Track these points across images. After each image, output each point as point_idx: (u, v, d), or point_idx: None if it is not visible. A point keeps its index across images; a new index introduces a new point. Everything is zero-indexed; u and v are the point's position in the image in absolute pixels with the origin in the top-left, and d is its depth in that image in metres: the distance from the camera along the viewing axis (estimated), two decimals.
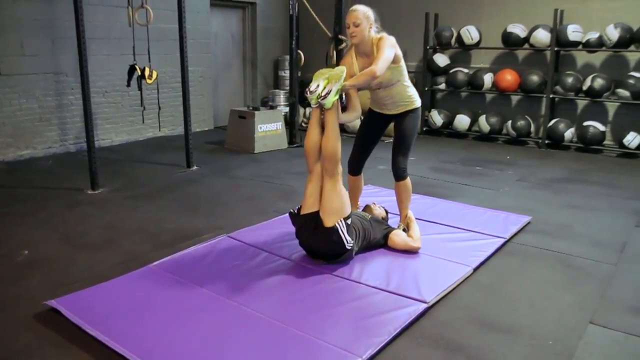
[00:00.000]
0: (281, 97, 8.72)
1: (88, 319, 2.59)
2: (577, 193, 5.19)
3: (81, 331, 2.55)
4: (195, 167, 5.96)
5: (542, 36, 7.09)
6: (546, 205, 4.78)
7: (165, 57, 7.42)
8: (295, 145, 7.31)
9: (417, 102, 3.67)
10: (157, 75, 5.82)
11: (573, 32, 6.86)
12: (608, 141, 7.13)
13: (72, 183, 5.26)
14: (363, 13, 3.37)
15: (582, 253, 3.70)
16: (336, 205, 3.21)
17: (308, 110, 8.89)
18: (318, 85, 3.19)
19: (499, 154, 6.97)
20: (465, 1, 8.00)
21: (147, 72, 5.70)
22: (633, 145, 6.68)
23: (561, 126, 7.11)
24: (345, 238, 3.21)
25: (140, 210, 4.49)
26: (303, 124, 8.60)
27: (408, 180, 3.74)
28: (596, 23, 6.89)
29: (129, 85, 5.82)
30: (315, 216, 3.24)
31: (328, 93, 3.16)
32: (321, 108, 3.30)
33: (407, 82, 3.60)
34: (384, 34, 3.41)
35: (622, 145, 6.78)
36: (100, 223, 4.16)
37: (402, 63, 3.51)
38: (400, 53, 3.44)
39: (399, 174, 3.69)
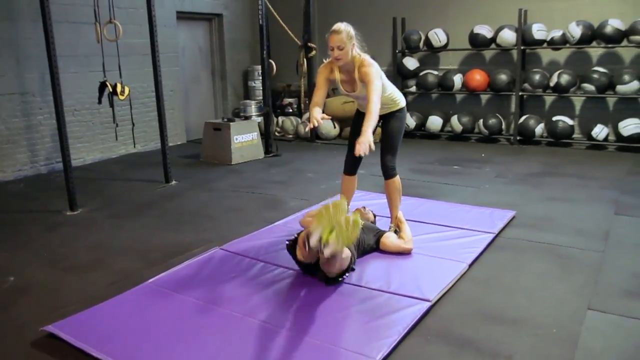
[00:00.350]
0: (253, 107, 8.69)
1: (92, 342, 2.51)
2: (554, 186, 5.32)
3: (85, 355, 2.47)
4: (174, 182, 5.86)
5: (508, 36, 7.28)
6: (527, 199, 4.89)
7: (134, 73, 7.30)
8: (271, 155, 7.28)
9: (402, 103, 3.73)
10: (129, 91, 5.74)
11: (538, 31, 7.07)
12: (577, 134, 7.35)
13: (49, 205, 5.11)
14: (346, 34, 3.35)
15: (569, 243, 3.79)
16: (339, 268, 3.06)
17: (281, 119, 8.88)
18: (320, 239, 2.70)
19: (473, 153, 7.10)
20: (431, 5, 8.15)
21: (119, 89, 5.60)
22: (601, 137, 6.91)
23: (531, 122, 7.30)
24: (350, 268, 3.16)
25: (124, 228, 4.39)
26: (276, 133, 8.59)
27: (397, 178, 3.78)
28: (559, 21, 7.13)
29: (100, 102, 5.71)
30: (316, 266, 3.14)
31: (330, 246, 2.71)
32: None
33: (389, 91, 3.64)
34: (366, 59, 3.42)
35: (590, 138, 7.00)
36: (85, 244, 4.05)
37: (383, 80, 3.53)
38: (383, 77, 3.50)
39: (388, 172, 3.72)
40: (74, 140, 6.82)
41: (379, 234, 3.68)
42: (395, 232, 3.78)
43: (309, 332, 2.59)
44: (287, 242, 3.32)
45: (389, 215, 3.94)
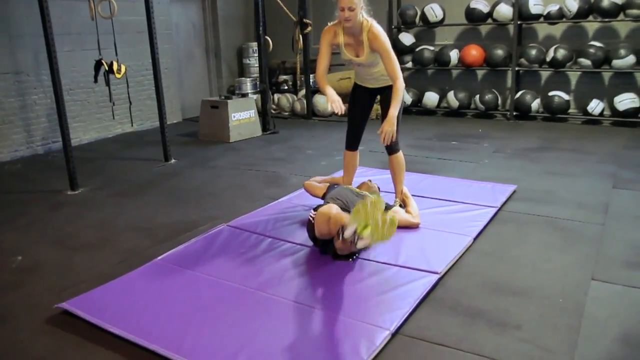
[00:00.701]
0: (248, 84, 8.62)
1: (108, 318, 2.54)
2: (552, 160, 5.38)
3: (101, 331, 2.50)
4: (173, 160, 5.85)
5: (505, 10, 7.26)
6: (527, 173, 4.94)
7: (127, 51, 7.20)
8: (269, 132, 7.27)
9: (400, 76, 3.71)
10: (125, 69, 5.68)
11: (534, 5, 7.06)
12: (572, 109, 7.40)
13: (48, 185, 5.09)
14: None
15: (570, 216, 3.86)
16: (348, 251, 3.12)
17: (277, 96, 8.84)
18: (355, 232, 2.80)
19: (470, 128, 7.13)
20: None
21: (115, 67, 5.55)
22: (596, 112, 6.96)
23: (527, 97, 7.32)
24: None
25: (127, 207, 4.39)
26: (272, 111, 8.55)
27: (401, 154, 3.80)
28: None
29: (96, 81, 5.65)
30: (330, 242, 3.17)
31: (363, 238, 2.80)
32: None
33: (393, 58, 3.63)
34: (373, 24, 3.45)
35: (586, 113, 7.05)
36: (90, 223, 4.05)
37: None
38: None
39: (391, 147, 3.74)
40: (70, 120, 6.69)
41: (387, 208, 3.71)
42: (401, 206, 3.82)
43: (322, 305, 2.64)
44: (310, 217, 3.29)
45: (393, 191, 3.98)
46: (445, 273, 3.01)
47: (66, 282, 3.07)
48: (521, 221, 3.80)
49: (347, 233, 2.80)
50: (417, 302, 2.65)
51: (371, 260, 3.13)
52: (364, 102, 3.86)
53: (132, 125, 7.10)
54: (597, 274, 2.99)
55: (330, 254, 3.19)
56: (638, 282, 2.89)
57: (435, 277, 2.90)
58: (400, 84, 3.45)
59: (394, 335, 2.42)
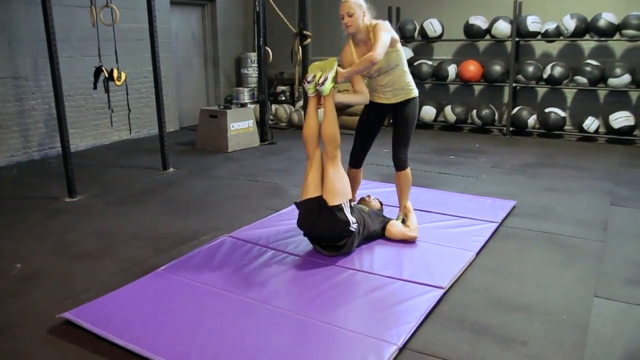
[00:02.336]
0: (245, 94, 8.66)
1: (111, 329, 2.51)
2: (550, 176, 5.42)
3: (104, 342, 2.47)
4: (172, 169, 5.83)
5: (503, 27, 7.35)
6: (525, 189, 4.98)
7: (126, 58, 7.18)
8: (267, 143, 7.27)
9: (415, 91, 3.69)
10: (126, 77, 5.67)
11: (532, 23, 7.15)
12: (568, 126, 7.48)
13: (46, 192, 5.05)
14: (355, 2, 3.40)
15: (570, 232, 3.88)
16: (339, 187, 3.30)
17: (274, 107, 8.86)
18: (314, 76, 3.37)
19: (467, 143, 7.18)
20: None
21: (115, 74, 5.53)
22: (592, 129, 7.04)
23: (524, 113, 7.39)
24: (350, 218, 3.30)
25: (127, 215, 4.37)
26: (270, 121, 8.56)
27: (408, 170, 3.81)
28: (552, 14, 7.21)
29: (95, 87, 5.63)
30: (319, 200, 3.29)
31: (325, 80, 3.31)
32: (318, 96, 3.43)
33: (406, 67, 3.64)
34: (378, 22, 3.45)
35: (581, 130, 7.13)
36: (89, 231, 4.02)
37: (399, 47, 3.54)
38: (396, 37, 3.49)
39: (400, 164, 3.74)
40: (67, 126, 6.72)
41: (385, 221, 3.72)
42: (403, 221, 3.83)
43: (328, 319, 2.63)
44: (295, 202, 3.49)
45: (396, 205, 3.98)
46: (450, 288, 3.01)
47: (67, 291, 3.04)
48: (522, 237, 3.82)
49: (309, 76, 3.36)
50: (423, 317, 2.65)
51: (375, 274, 3.13)
52: (375, 120, 3.81)
53: (130, 133, 7.07)
54: (599, 291, 3.01)
55: (320, 248, 3.41)
56: None
57: (440, 292, 2.91)
58: (375, 53, 3.23)
59: (401, 350, 2.41)
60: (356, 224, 3.37)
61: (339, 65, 3.43)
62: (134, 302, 2.80)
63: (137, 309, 2.72)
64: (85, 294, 2.97)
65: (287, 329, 2.55)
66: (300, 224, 3.43)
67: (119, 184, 5.33)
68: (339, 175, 3.34)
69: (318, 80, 3.34)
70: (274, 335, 2.49)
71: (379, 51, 3.26)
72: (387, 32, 3.35)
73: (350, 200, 3.44)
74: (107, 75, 5.48)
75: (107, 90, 5.57)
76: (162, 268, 3.21)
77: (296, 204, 3.45)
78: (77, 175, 5.02)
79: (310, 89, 3.38)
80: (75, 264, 3.43)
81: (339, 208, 3.25)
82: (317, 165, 3.40)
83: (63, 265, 3.41)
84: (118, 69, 5.50)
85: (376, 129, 3.84)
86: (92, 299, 2.85)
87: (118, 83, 5.57)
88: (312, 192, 3.33)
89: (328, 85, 3.33)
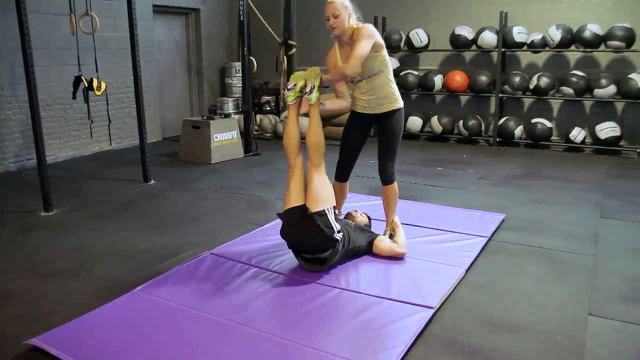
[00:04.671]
0: (230, 104, 8.53)
1: (82, 356, 2.35)
2: (538, 188, 5.36)
3: None
4: (153, 181, 5.67)
5: (489, 38, 7.32)
6: (514, 201, 4.90)
7: (108, 67, 7.04)
8: (251, 154, 7.13)
9: (401, 102, 3.58)
10: (106, 86, 5.52)
11: (518, 34, 7.13)
12: (555, 137, 7.45)
13: (20, 205, 4.87)
14: (340, 3, 3.32)
15: (561, 247, 3.80)
16: (323, 193, 3.24)
17: (259, 117, 8.73)
18: (295, 84, 3.34)
19: (454, 154, 7.12)
20: (412, 5, 8.14)
21: (95, 84, 5.38)
22: (578, 139, 7.01)
23: (511, 124, 7.36)
24: (334, 225, 3.21)
25: (105, 230, 4.20)
26: (254, 132, 8.43)
27: (395, 184, 3.69)
28: (538, 25, 7.21)
29: (74, 97, 5.47)
30: (302, 209, 3.21)
31: (312, 88, 3.29)
32: (300, 104, 3.41)
33: (391, 76, 3.52)
34: (364, 25, 3.35)
35: (568, 140, 7.10)
36: (64, 247, 3.85)
37: (384, 53, 3.43)
38: (381, 42, 3.38)
39: (387, 178, 3.63)
40: (45, 137, 6.45)
41: (372, 236, 3.61)
42: (391, 236, 3.71)
43: (313, 342, 2.50)
44: (278, 213, 3.42)
45: (383, 219, 3.87)
46: (440, 307, 2.90)
47: (37, 314, 2.87)
48: (512, 252, 3.73)
49: (289, 84, 3.33)
50: (412, 340, 2.53)
51: (362, 293, 3.01)
52: (360, 132, 3.68)
53: (110, 144, 6.89)
54: (594, 309, 2.92)
55: (302, 261, 3.32)
56: (635, 317, 2.82)
57: (430, 312, 2.79)
58: (345, 69, 3.26)
59: None
60: (341, 233, 3.27)
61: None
62: (108, 326, 2.65)
63: (110, 334, 2.56)
64: (56, 317, 2.80)
65: (270, 354, 2.41)
66: (283, 233, 3.31)
67: (97, 197, 5.16)
68: (322, 183, 3.27)
69: (304, 89, 3.31)
70: None
71: (352, 64, 3.24)
72: (368, 40, 3.26)
73: (336, 209, 3.35)
74: (86, 85, 5.33)
75: (86, 100, 5.42)
76: (138, 288, 3.06)
77: (279, 214, 3.34)
78: (54, 187, 4.85)
79: (290, 96, 3.34)
80: (48, 283, 3.27)
81: (322, 214, 3.17)
82: (299, 173, 3.33)
83: (34, 285, 3.24)
84: (98, 79, 5.36)
85: (361, 141, 3.71)
86: (63, 322, 2.69)
87: (98, 93, 5.42)
88: (294, 201, 3.25)
89: (315, 93, 3.30)
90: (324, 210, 3.19)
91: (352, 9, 3.39)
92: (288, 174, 3.37)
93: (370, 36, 3.28)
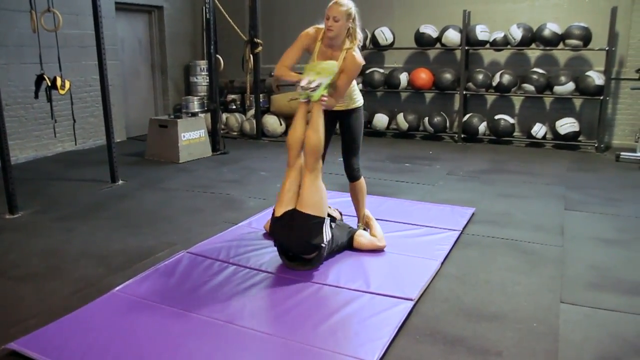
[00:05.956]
0: (195, 103, 8.44)
1: (65, 359, 2.31)
2: (504, 182, 5.52)
3: None
4: (121, 182, 5.56)
5: (453, 36, 7.48)
6: (482, 195, 5.03)
7: (70, 66, 6.84)
8: (219, 153, 7.08)
9: (360, 101, 3.66)
10: (70, 85, 5.38)
11: (481, 32, 7.31)
12: (517, 132, 7.68)
13: None
14: (346, 10, 3.27)
15: (529, 238, 3.94)
16: (316, 199, 3.18)
17: (225, 115, 8.67)
18: (309, 80, 3.21)
19: (421, 150, 7.25)
20: (378, 3, 8.22)
21: (59, 82, 5.24)
22: (540, 135, 7.25)
23: (475, 120, 7.54)
24: (326, 235, 3.21)
25: (75, 232, 4.10)
26: (221, 130, 8.36)
27: (362, 179, 3.75)
28: (500, 24, 7.41)
29: (36, 97, 5.31)
30: (292, 212, 3.17)
31: (317, 86, 3.19)
32: (308, 102, 3.28)
33: (352, 87, 3.58)
34: (356, 52, 3.36)
35: (530, 136, 7.34)
36: (34, 250, 3.74)
37: (354, 83, 3.55)
38: (357, 74, 3.46)
39: (353, 175, 3.69)
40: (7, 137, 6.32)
41: (351, 232, 3.65)
42: (365, 230, 3.77)
43: (298, 337, 2.52)
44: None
45: (354, 214, 3.91)
46: (419, 299, 2.97)
47: (13, 318, 2.79)
48: (484, 244, 3.84)
49: (303, 81, 3.19)
50: (395, 331, 2.59)
51: (342, 288, 3.05)
52: (325, 125, 3.73)
53: (75, 144, 6.72)
54: (565, 296, 3.04)
55: (286, 260, 3.31)
56: (604, 303, 2.96)
57: (410, 304, 2.85)
58: (337, 99, 3.41)
59: None
60: (327, 241, 3.26)
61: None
62: (89, 327, 2.60)
63: (92, 336, 2.52)
64: (33, 320, 2.74)
65: (255, 350, 2.43)
66: (272, 232, 3.31)
67: (64, 198, 5.03)
68: (315, 189, 3.20)
69: (310, 85, 3.19)
70: (240, 357, 2.35)
71: (340, 97, 3.39)
72: (355, 75, 3.36)
73: (337, 220, 3.37)
74: (49, 84, 5.18)
75: (49, 100, 5.27)
76: (117, 289, 3.01)
77: (273, 218, 3.29)
78: (19, 189, 4.70)
79: (302, 95, 3.25)
80: (21, 286, 3.18)
81: (314, 220, 3.14)
82: (297, 174, 3.26)
83: (7, 289, 3.14)
84: (61, 77, 5.21)
85: (328, 135, 3.65)
86: (41, 326, 2.63)
87: (62, 92, 5.28)
88: (285, 204, 3.20)
89: (319, 91, 3.20)
90: (316, 217, 3.15)
91: (357, 28, 3.36)
92: (285, 173, 3.30)
93: (356, 72, 3.37)
